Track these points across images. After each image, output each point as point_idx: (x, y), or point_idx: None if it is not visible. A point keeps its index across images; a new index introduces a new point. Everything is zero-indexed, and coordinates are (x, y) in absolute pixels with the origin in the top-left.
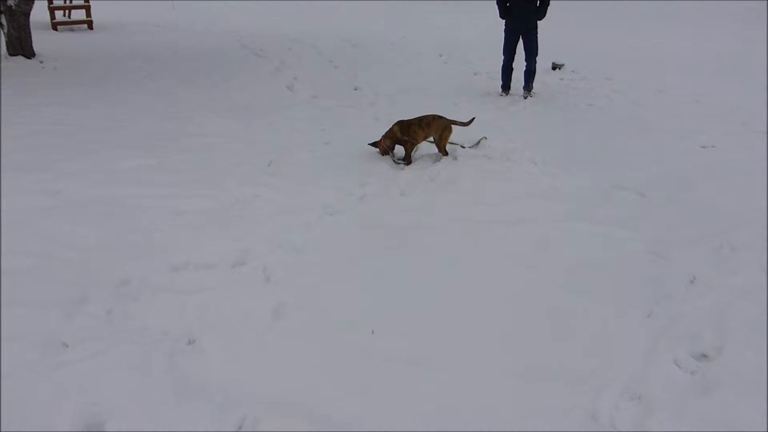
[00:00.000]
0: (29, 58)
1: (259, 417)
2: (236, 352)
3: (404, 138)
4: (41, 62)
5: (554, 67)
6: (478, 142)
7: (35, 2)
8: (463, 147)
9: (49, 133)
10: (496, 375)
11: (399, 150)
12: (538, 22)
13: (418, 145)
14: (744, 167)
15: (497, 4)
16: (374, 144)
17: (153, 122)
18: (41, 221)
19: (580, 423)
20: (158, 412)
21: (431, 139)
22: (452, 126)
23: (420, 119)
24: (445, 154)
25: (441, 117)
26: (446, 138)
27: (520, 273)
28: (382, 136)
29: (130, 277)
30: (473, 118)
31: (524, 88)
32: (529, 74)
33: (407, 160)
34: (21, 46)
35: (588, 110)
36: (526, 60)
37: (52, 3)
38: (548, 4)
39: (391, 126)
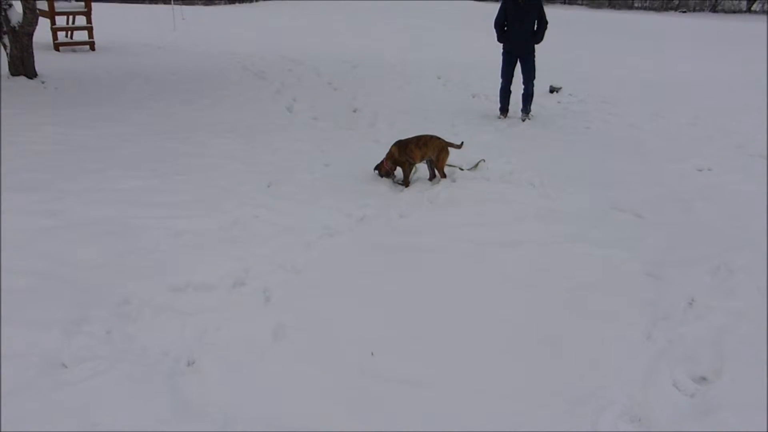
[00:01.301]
0: (31, 78)
1: None
2: (236, 373)
3: (402, 159)
4: (43, 82)
5: (552, 90)
6: (477, 165)
7: (38, 23)
8: (462, 169)
9: (50, 153)
10: (495, 396)
11: (398, 172)
12: (536, 45)
13: (416, 166)
14: (741, 190)
15: (495, 27)
16: (378, 167)
17: (153, 142)
18: (42, 241)
19: None
20: None
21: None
22: (449, 148)
23: (417, 138)
24: (443, 176)
25: (438, 138)
26: (443, 159)
27: (519, 294)
28: (384, 158)
29: (130, 297)
30: (462, 143)
31: (522, 110)
32: (527, 97)
33: (405, 182)
34: (23, 66)
35: (585, 133)
36: (524, 83)
37: (54, 24)
38: (545, 29)
39: (390, 148)
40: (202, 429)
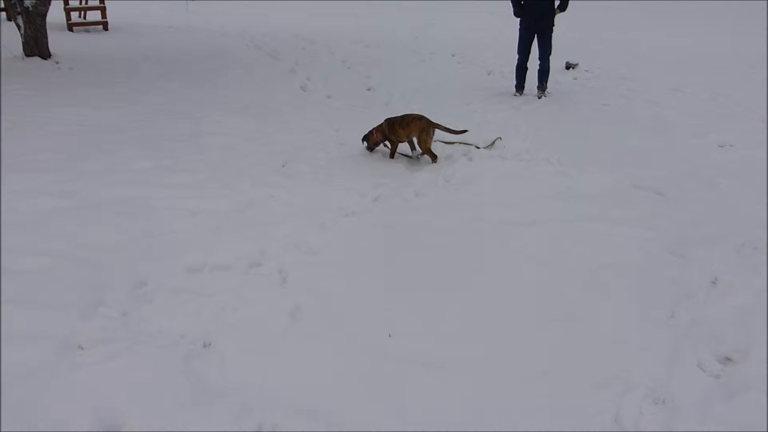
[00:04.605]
0: (45, 58)
1: (277, 421)
2: (253, 354)
3: (391, 136)
4: (57, 63)
5: (568, 66)
6: (493, 143)
7: (51, 3)
8: (478, 147)
9: (64, 134)
10: (516, 378)
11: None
12: (560, 14)
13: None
14: (764, 166)
15: (512, 2)
16: (366, 137)
17: (167, 122)
18: (57, 222)
19: (604, 427)
20: (175, 415)
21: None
22: (434, 129)
23: (402, 118)
24: (433, 158)
25: (422, 118)
26: (425, 140)
27: (538, 274)
28: (374, 129)
29: (146, 279)
30: (465, 131)
31: (538, 87)
32: (543, 74)
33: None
34: (37, 46)
35: (603, 109)
36: (540, 59)
37: (68, 4)
38: None
39: (381, 122)
40: (219, 411)
